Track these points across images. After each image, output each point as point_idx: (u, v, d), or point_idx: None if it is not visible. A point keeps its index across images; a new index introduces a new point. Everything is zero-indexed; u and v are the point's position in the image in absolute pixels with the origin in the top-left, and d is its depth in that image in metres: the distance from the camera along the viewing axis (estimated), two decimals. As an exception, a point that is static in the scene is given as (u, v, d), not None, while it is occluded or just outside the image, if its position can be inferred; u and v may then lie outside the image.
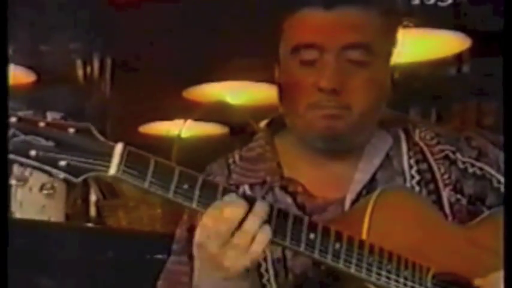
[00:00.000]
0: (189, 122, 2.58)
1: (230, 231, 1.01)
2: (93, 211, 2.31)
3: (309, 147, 1.19)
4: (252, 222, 1.02)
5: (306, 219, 1.06)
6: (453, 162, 1.22)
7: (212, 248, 1.02)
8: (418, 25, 2.45)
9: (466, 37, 2.63)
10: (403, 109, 1.27)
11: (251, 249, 1.01)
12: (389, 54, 1.19)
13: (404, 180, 1.20)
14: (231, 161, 1.24)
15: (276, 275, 1.16)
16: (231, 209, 1.02)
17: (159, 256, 1.74)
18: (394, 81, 1.21)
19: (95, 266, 1.91)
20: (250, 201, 1.03)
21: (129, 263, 1.93)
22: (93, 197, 2.30)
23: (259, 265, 1.15)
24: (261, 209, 1.03)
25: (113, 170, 1.00)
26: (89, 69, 3.01)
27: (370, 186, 1.18)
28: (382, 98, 1.19)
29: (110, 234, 2.12)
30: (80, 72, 2.99)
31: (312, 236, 1.05)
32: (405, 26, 2.14)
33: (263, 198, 1.15)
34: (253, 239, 1.01)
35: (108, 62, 3.08)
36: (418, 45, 2.59)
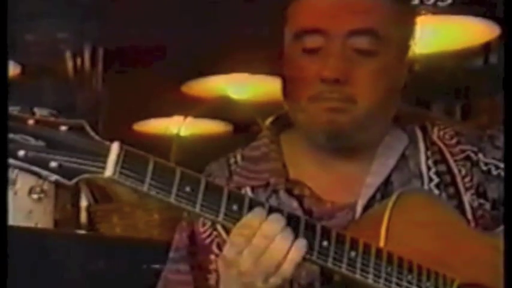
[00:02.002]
0: (189, 119, 2.60)
1: (265, 249, 1.03)
2: (84, 217, 2.32)
3: (315, 146, 1.20)
4: (286, 239, 1.04)
5: (319, 225, 1.08)
6: (475, 164, 1.23)
7: (244, 265, 1.04)
8: (439, 12, 2.45)
9: (494, 24, 2.63)
10: (424, 105, 1.29)
11: (283, 267, 1.03)
12: (403, 43, 1.20)
13: (422, 183, 1.22)
14: (232, 161, 1.25)
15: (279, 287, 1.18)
16: (270, 225, 1.03)
17: (157, 266, 1.75)
18: (413, 74, 1.22)
19: (85, 277, 1.93)
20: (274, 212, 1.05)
21: (124, 274, 1.95)
22: (84, 202, 2.32)
23: None
24: (293, 223, 1.05)
25: (109, 172, 1.01)
26: (79, 61, 3.03)
27: (384, 189, 1.20)
28: (393, 92, 1.20)
29: (102, 242, 2.13)
30: (70, 65, 3.01)
31: (325, 243, 1.06)
32: (424, 13, 2.15)
33: (266, 201, 1.17)
34: (286, 255, 1.03)
35: (100, 53, 3.10)
36: (440, 34, 2.59)
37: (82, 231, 2.28)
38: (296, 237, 1.06)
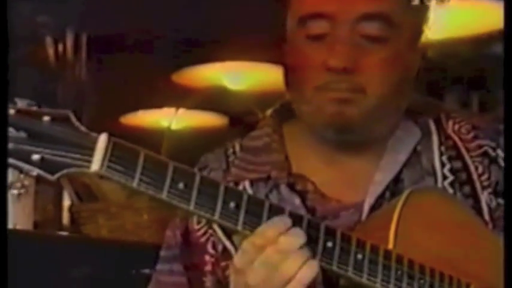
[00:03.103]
0: (181, 111, 2.61)
1: (278, 264, 1.03)
2: (66, 217, 2.33)
3: (320, 139, 1.21)
4: (302, 257, 1.04)
5: (323, 224, 1.08)
6: (493, 160, 1.24)
7: (254, 278, 1.04)
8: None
9: (514, 8, 2.63)
10: (438, 95, 1.29)
11: (291, 285, 1.03)
12: (416, 28, 1.21)
13: (435, 180, 1.22)
14: (230, 151, 1.26)
15: None
16: (288, 240, 1.03)
17: (147, 271, 1.76)
18: (426, 62, 1.23)
19: (69, 284, 1.93)
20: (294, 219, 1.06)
21: (111, 280, 1.95)
22: (66, 201, 2.33)
23: None
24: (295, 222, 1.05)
25: (95, 166, 1.01)
26: (60, 47, 3.04)
27: (394, 187, 1.21)
28: (406, 81, 1.21)
29: (87, 244, 2.13)
30: (51, 51, 3.01)
31: (329, 244, 1.07)
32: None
33: (266, 197, 1.18)
34: (296, 274, 1.03)
35: (84, 39, 3.10)
36: (456, 18, 2.60)
37: (64, 233, 2.29)
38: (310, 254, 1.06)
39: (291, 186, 1.21)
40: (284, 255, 1.03)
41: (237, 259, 1.06)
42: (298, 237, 1.04)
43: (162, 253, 1.25)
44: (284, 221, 1.05)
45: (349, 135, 1.19)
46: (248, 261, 1.04)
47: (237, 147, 1.26)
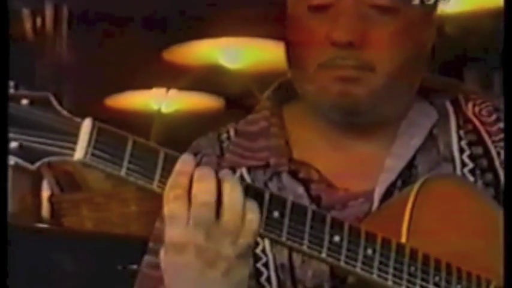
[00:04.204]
0: (172, 92, 2.62)
1: (214, 202, 1.01)
2: (46, 209, 2.34)
3: (325, 121, 1.21)
4: (239, 194, 1.02)
5: (329, 216, 1.09)
6: None
7: (199, 237, 1.02)
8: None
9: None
10: (457, 74, 1.28)
11: (247, 218, 1.02)
12: None
13: (454, 167, 1.22)
14: (224, 136, 1.26)
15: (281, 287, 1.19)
16: (201, 171, 1.02)
17: (134, 267, 1.77)
18: (442, 37, 1.23)
19: (50, 280, 1.94)
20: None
21: (96, 276, 1.96)
22: (46, 191, 2.33)
23: (259, 273, 1.19)
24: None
25: (79, 154, 1.01)
26: (39, 21, 3.03)
27: (407, 175, 1.21)
28: (419, 58, 1.20)
29: (69, 238, 2.14)
30: (28, 26, 3.01)
31: (336, 238, 1.07)
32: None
33: (265, 185, 1.18)
34: (244, 203, 1.03)
35: (65, 12, 3.10)
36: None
37: (44, 226, 2.29)
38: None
39: (293, 174, 1.21)
40: (209, 186, 1.01)
41: (170, 233, 1.03)
42: (206, 166, 1.03)
43: (150, 245, 1.25)
44: (185, 159, 1.03)
45: (356, 117, 1.19)
46: (183, 223, 1.02)
47: (232, 132, 1.26)
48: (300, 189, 1.20)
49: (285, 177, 1.21)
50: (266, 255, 1.18)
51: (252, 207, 1.04)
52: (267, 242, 1.19)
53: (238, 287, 1.06)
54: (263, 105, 1.28)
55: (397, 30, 1.17)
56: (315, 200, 1.20)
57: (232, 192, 1.03)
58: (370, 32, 1.16)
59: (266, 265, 1.19)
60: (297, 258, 1.18)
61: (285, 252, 1.18)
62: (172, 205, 1.03)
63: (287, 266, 1.19)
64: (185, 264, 1.05)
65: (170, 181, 1.03)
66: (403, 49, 1.18)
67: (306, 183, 1.21)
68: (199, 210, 1.03)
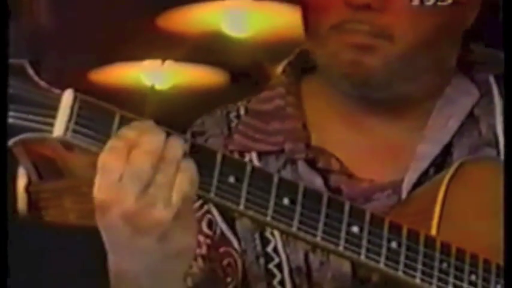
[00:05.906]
0: (168, 64, 2.62)
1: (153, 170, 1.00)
2: (23, 200, 2.34)
3: (345, 98, 1.21)
4: (176, 150, 1.01)
5: (348, 204, 1.08)
6: None
7: (129, 199, 1.00)
8: None
9: None
10: (499, 46, 1.28)
11: (179, 179, 1.01)
12: None
13: (498, 153, 1.22)
14: (233, 115, 1.26)
15: None
16: (151, 138, 1.01)
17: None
18: (484, 3, 1.22)
19: (28, 280, 1.95)
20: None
21: (80, 274, 1.97)
22: (23, 179, 2.34)
23: (271, 275, 1.19)
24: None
25: (59, 130, 1.01)
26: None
27: (442, 163, 1.20)
28: (452, 27, 1.20)
29: (49, 232, 2.15)
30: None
31: (355, 229, 1.07)
32: None
33: (278, 172, 1.17)
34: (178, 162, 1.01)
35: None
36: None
37: (21, 218, 2.30)
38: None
39: (311, 163, 1.21)
40: (153, 148, 1.01)
41: (99, 187, 1.02)
42: (160, 135, 1.02)
43: None
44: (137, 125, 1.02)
45: (369, 91, 1.19)
46: (114, 178, 1.00)
47: (242, 111, 1.27)
48: (318, 181, 1.20)
49: (301, 166, 1.21)
50: (279, 255, 1.18)
51: (187, 166, 1.02)
52: (278, 239, 1.20)
53: (180, 258, 1.04)
54: (278, 80, 1.28)
55: None
56: (335, 193, 1.19)
57: (171, 148, 1.01)
58: None
59: (279, 267, 1.20)
60: (314, 260, 1.19)
61: (301, 252, 1.18)
62: (106, 155, 1.01)
63: (304, 269, 1.19)
64: (111, 228, 1.04)
65: (118, 133, 1.02)
66: (430, 17, 1.18)
67: (324, 173, 1.21)
68: (139, 159, 1.00)
